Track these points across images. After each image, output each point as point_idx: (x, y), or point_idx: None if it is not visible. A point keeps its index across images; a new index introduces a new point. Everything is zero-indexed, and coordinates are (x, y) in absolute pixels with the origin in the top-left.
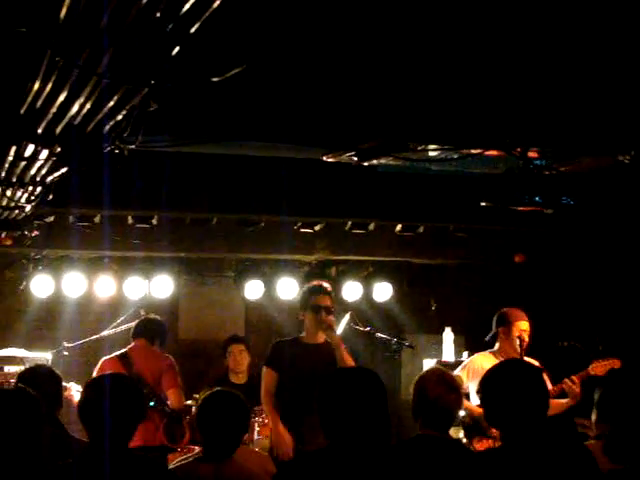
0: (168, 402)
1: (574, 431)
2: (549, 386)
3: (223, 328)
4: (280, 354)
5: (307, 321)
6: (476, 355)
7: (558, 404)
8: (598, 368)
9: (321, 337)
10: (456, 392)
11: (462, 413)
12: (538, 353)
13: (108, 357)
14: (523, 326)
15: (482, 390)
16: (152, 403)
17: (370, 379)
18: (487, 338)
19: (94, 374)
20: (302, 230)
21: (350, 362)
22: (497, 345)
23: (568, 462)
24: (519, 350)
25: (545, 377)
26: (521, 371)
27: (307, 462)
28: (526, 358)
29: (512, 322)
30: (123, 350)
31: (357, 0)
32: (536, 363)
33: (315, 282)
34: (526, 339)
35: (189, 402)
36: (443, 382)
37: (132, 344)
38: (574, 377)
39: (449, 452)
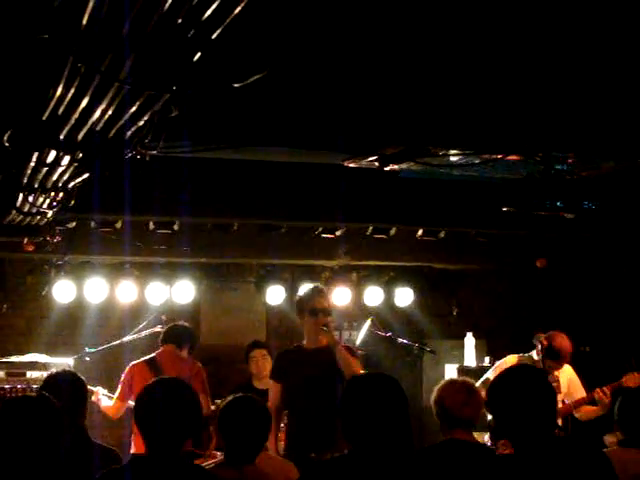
0: None
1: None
2: (582, 393)
3: (245, 333)
4: (283, 364)
5: (306, 326)
6: (510, 357)
7: (589, 410)
8: (631, 380)
9: (322, 341)
10: (473, 401)
11: (489, 417)
12: None
13: (137, 362)
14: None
15: (489, 402)
16: None
17: (390, 385)
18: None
19: (122, 378)
20: (323, 235)
21: (351, 361)
22: (535, 356)
23: (583, 468)
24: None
25: (578, 382)
26: (527, 378)
27: (329, 469)
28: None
29: (563, 360)
30: (152, 355)
31: (379, 6)
32: (570, 369)
33: (310, 285)
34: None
35: (212, 407)
36: (460, 391)
37: (161, 349)
38: (605, 388)
39: (474, 456)
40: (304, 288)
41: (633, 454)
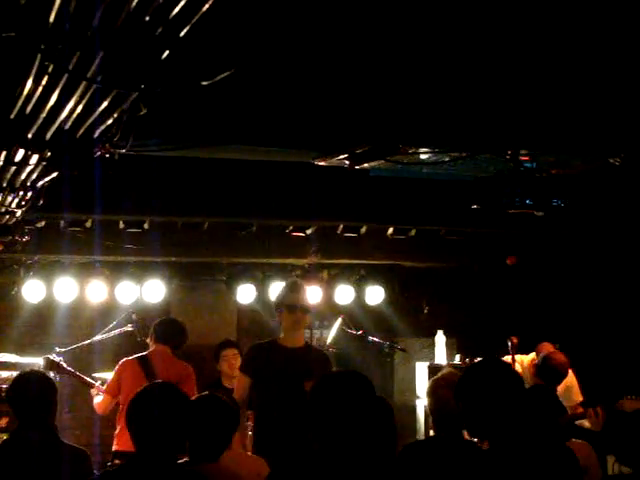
0: None
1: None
2: (579, 397)
3: (215, 332)
4: (255, 358)
5: (283, 322)
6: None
7: (582, 424)
8: (626, 404)
9: (300, 340)
10: None
11: None
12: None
13: (128, 358)
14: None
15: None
16: None
17: (360, 382)
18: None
19: (113, 373)
20: (294, 234)
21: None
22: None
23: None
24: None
25: (576, 386)
26: (492, 372)
27: (300, 466)
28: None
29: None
30: (144, 353)
31: (350, 3)
32: (564, 359)
33: (290, 280)
34: None
35: None
36: (450, 386)
37: (153, 347)
38: (599, 409)
39: (459, 453)
40: (284, 282)
41: None
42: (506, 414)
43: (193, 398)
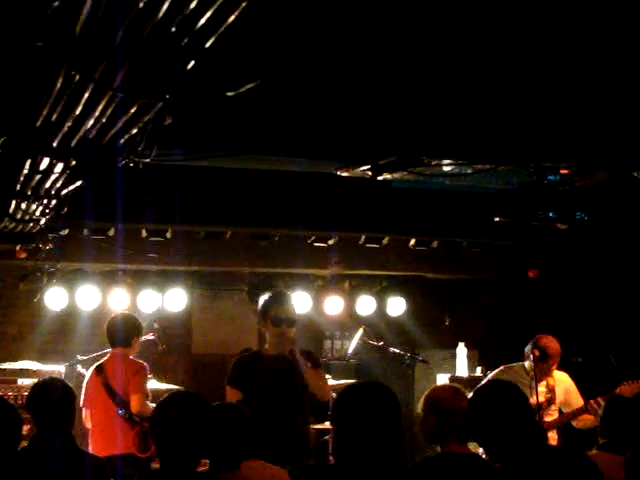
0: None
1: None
2: (580, 402)
3: (236, 342)
4: (244, 371)
5: (268, 334)
6: (502, 368)
7: (587, 419)
8: (626, 390)
9: (285, 350)
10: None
11: None
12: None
13: (92, 368)
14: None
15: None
16: (121, 412)
17: (384, 394)
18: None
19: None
20: (316, 244)
21: (315, 377)
22: (527, 364)
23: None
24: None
25: (576, 391)
26: (500, 395)
27: (322, 476)
28: (557, 372)
29: (550, 359)
30: (101, 361)
31: (374, 16)
32: (568, 378)
33: (276, 291)
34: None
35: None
36: (458, 398)
37: (110, 354)
38: (599, 399)
39: (468, 467)
40: (269, 293)
41: (612, 458)
42: (516, 433)
43: (213, 407)
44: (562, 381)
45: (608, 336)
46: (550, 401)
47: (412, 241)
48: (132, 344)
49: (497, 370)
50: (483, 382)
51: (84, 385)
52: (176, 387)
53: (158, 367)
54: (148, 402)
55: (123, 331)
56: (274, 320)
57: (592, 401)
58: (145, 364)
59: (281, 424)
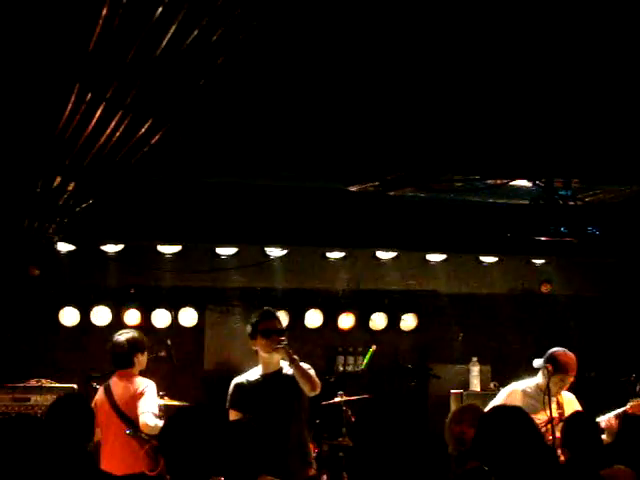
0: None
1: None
2: None
3: (248, 358)
4: (243, 393)
5: (260, 349)
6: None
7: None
8: (637, 407)
9: (277, 363)
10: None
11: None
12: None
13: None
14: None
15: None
16: (128, 431)
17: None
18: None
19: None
20: (328, 260)
21: (310, 372)
22: (542, 380)
23: None
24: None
25: (575, 400)
26: (508, 420)
27: None
28: (564, 392)
29: (569, 372)
30: (108, 381)
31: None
32: (572, 396)
33: (261, 309)
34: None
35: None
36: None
37: (115, 375)
38: (612, 417)
39: None
40: (254, 313)
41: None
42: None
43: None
44: (570, 400)
45: (621, 351)
46: (561, 416)
47: (425, 256)
48: (135, 363)
49: (508, 390)
50: (488, 408)
51: (92, 405)
52: (187, 404)
53: (170, 384)
54: (159, 419)
55: (123, 353)
56: (263, 332)
57: (606, 420)
58: (151, 382)
59: (279, 438)
